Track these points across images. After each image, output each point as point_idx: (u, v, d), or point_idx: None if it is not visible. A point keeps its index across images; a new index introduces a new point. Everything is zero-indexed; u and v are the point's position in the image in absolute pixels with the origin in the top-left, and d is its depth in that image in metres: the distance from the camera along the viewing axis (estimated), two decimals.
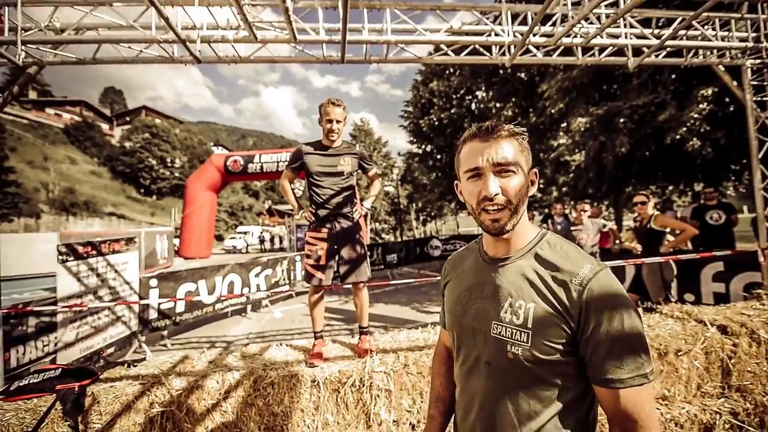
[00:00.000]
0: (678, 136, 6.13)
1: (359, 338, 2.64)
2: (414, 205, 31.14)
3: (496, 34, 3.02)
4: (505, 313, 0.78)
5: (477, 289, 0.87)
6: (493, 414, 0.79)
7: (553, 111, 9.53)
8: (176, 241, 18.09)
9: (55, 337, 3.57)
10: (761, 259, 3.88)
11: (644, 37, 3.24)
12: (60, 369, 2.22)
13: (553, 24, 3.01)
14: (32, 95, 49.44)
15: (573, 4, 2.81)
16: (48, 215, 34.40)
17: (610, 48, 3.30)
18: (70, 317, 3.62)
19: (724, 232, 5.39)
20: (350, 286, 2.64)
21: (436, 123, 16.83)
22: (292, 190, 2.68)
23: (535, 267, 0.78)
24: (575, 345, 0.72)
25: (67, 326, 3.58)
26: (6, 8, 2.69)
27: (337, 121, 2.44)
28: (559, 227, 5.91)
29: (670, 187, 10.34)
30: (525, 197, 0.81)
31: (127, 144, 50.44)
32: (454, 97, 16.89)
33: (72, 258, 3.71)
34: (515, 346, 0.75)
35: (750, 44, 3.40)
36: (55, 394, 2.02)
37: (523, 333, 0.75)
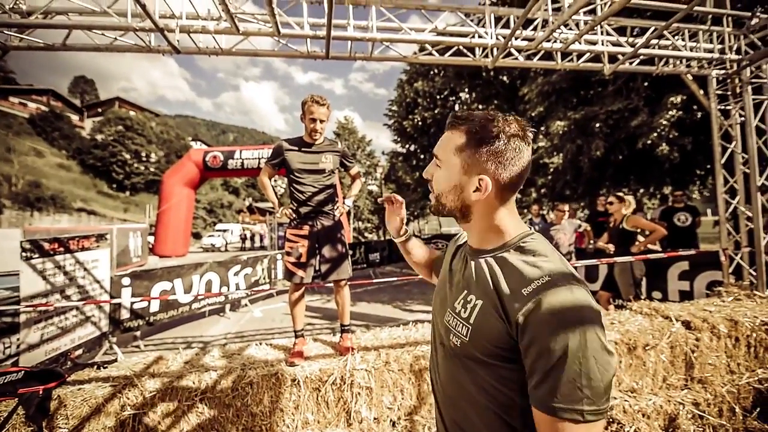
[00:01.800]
0: (649, 141, 6.44)
1: (340, 336, 2.64)
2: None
3: (480, 36, 3.07)
4: (458, 303, 0.79)
5: (450, 274, 0.91)
6: (449, 392, 0.83)
7: (533, 114, 9.78)
8: (151, 239, 17.41)
9: (18, 339, 3.38)
10: (722, 258, 4.12)
11: (619, 45, 3.38)
12: (23, 371, 2.10)
13: (535, 29, 3.09)
14: None
15: (554, 10, 2.89)
16: (11, 210, 32.38)
17: (588, 54, 3.42)
18: (35, 317, 3.43)
19: (690, 233, 5.69)
20: (331, 284, 2.62)
21: (420, 123, 16.95)
22: (273, 187, 2.63)
23: (498, 266, 0.75)
24: (519, 354, 0.67)
25: (31, 327, 3.39)
26: None
27: (321, 121, 2.40)
28: (536, 228, 6.08)
29: (641, 190, 10.83)
30: (452, 195, 0.81)
31: (99, 137, 48.04)
32: (438, 97, 17.05)
33: (37, 255, 3.52)
34: (456, 337, 0.76)
35: (716, 55, 3.60)
36: (17, 398, 1.91)
37: (464, 326, 0.75)
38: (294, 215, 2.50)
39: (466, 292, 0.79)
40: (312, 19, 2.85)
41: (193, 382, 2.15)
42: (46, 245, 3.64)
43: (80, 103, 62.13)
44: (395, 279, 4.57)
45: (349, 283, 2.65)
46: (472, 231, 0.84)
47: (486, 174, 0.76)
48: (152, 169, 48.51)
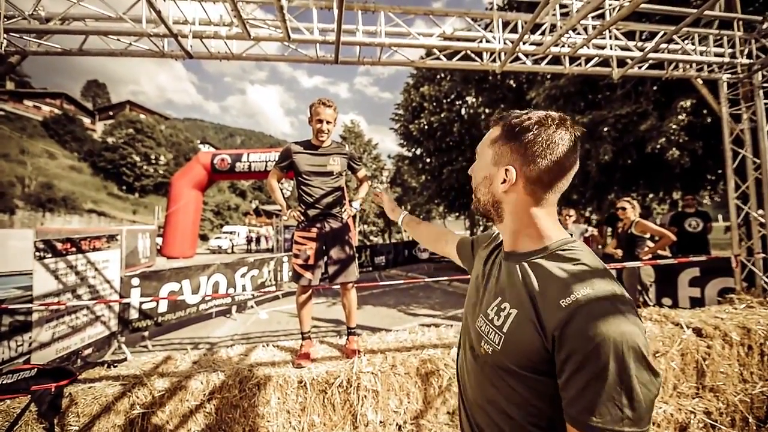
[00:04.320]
0: (658, 146, 6.37)
1: (347, 339, 2.64)
2: (403, 207, 31.22)
3: (488, 41, 3.08)
4: (491, 309, 0.77)
5: (483, 276, 0.88)
6: (476, 396, 0.80)
7: None
8: (159, 240, 17.62)
9: (30, 337, 3.44)
10: (734, 265, 4.05)
11: (628, 49, 3.37)
12: (36, 369, 2.15)
13: (542, 33, 3.09)
14: (9, 86, 47.52)
15: (562, 14, 2.90)
16: (23, 211, 33.05)
17: (596, 58, 3.41)
18: (47, 316, 3.49)
19: (701, 238, 5.60)
20: (338, 287, 2.63)
21: (426, 127, 16.95)
22: (280, 189, 2.66)
23: (533, 273, 0.71)
24: (553, 366, 0.63)
25: (42, 325, 3.45)
26: None
27: (327, 122, 2.44)
28: None
29: (651, 195, 10.69)
30: (483, 187, 0.81)
31: (110, 139, 48.96)
32: (444, 101, 17.05)
33: (50, 255, 3.58)
34: (487, 344, 0.74)
35: (726, 59, 3.56)
36: (30, 395, 1.95)
37: (496, 335, 0.72)
38: (302, 217, 2.52)
39: (500, 299, 0.76)
40: (321, 24, 2.89)
41: (201, 382, 2.17)
42: (59, 245, 3.71)
43: (92, 107, 63.37)
44: (401, 282, 4.57)
45: (355, 285, 2.67)
46: (505, 231, 0.82)
47: (512, 165, 0.74)
48: (161, 172, 49.22)
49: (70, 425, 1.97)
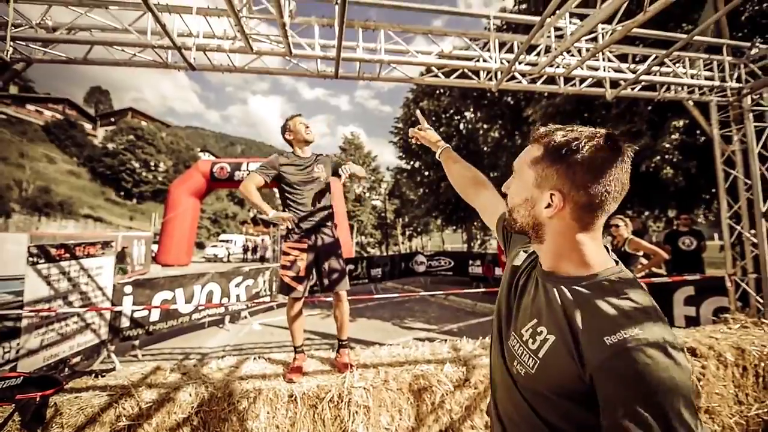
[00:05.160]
0: (653, 164, 6.47)
1: (337, 352, 2.61)
2: (401, 219, 31.30)
3: (485, 60, 3.16)
4: (525, 330, 0.74)
5: (517, 290, 0.83)
6: (507, 408, 0.79)
7: None
8: (154, 247, 17.50)
9: (18, 344, 3.38)
10: (728, 284, 4.07)
11: (621, 71, 3.46)
12: (21, 377, 2.11)
13: (538, 54, 3.18)
14: (13, 90, 47.89)
15: (556, 37, 2.99)
16: (19, 215, 32.82)
17: (590, 79, 3.50)
18: (36, 323, 3.44)
19: (695, 257, 5.64)
20: (330, 298, 2.63)
21: None
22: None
23: (576, 302, 0.67)
24: (592, 400, 0.61)
25: (31, 332, 3.40)
26: None
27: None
28: None
29: (646, 213, 10.78)
30: (523, 210, 0.75)
31: (110, 145, 49.15)
32: (443, 116, 17.34)
33: (43, 260, 3.56)
34: (521, 366, 0.72)
35: (716, 83, 3.66)
36: (14, 404, 1.91)
37: (531, 358, 0.70)
38: (296, 221, 2.50)
39: (536, 321, 0.72)
40: (322, 40, 2.96)
41: (190, 395, 2.13)
42: (53, 251, 3.69)
43: (94, 113, 63.82)
44: (397, 295, 4.54)
45: (350, 298, 2.66)
46: (545, 252, 0.76)
47: (559, 190, 0.68)
48: (160, 179, 49.27)
49: None
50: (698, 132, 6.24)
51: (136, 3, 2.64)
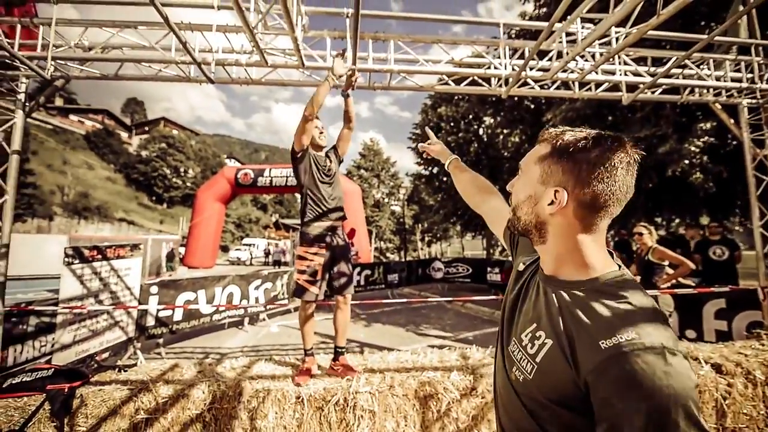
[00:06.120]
0: (679, 169, 6.17)
1: (336, 359, 2.60)
2: (419, 225, 31.16)
3: (495, 68, 3.16)
4: (525, 335, 0.73)
5: (519, 295, 0.83)
6: (509, 411, 0.78)
7: None
8: (182, 250, 18.27)
9: (53, 338, 3.64)
10: (761, 297, 3.82)
11: (639, 75, 3.36)
12: (53, 369, 2.28)
13: (550, 59, 3.15)
14: (58, 102, 51.75)
15: (568, 42, 2.95)
16: (61, 218, 35.21)
17: (606, 83, 3.42)
18: (69, 319, 3.70)
19: (728, 267, 5.31)
20: (333, 302, 2.67)
21: None
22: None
23: (574, 305, 0.66)
24: (589, 408, 0.58)
25: (65, 328, 3.65)
26: (41, 27, 2.94)
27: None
28: None
29: (677, 220, 10.25)
30: (527, 206, 0.74)
31: (144, 153, 52.09)
32: (462, 122, 17.23)
33: (77, 261, 3.83)
34: (519, 371, 0.72)
35: (744, 84, 3.48)
36: (44, 394, 2.07)
37: (529, 363, 0.69)
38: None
39: (535, 325, 0.72)
40: (334, 51, 3.06)
41: (203, 392, 2.24)
42: (86, 252, 3.96)
43: (130, 122, 67.71)
44: (412, 300, 4.52)
45: (365, 302, 2.70)
46: (547, 253, 0.75)
47: (563, 186, 0.68)
48: (189, 184, 51.56)
49: (79, 425, 2.07)
50: (729, 135, 5.92)
51: (161, 23, 2.84)
